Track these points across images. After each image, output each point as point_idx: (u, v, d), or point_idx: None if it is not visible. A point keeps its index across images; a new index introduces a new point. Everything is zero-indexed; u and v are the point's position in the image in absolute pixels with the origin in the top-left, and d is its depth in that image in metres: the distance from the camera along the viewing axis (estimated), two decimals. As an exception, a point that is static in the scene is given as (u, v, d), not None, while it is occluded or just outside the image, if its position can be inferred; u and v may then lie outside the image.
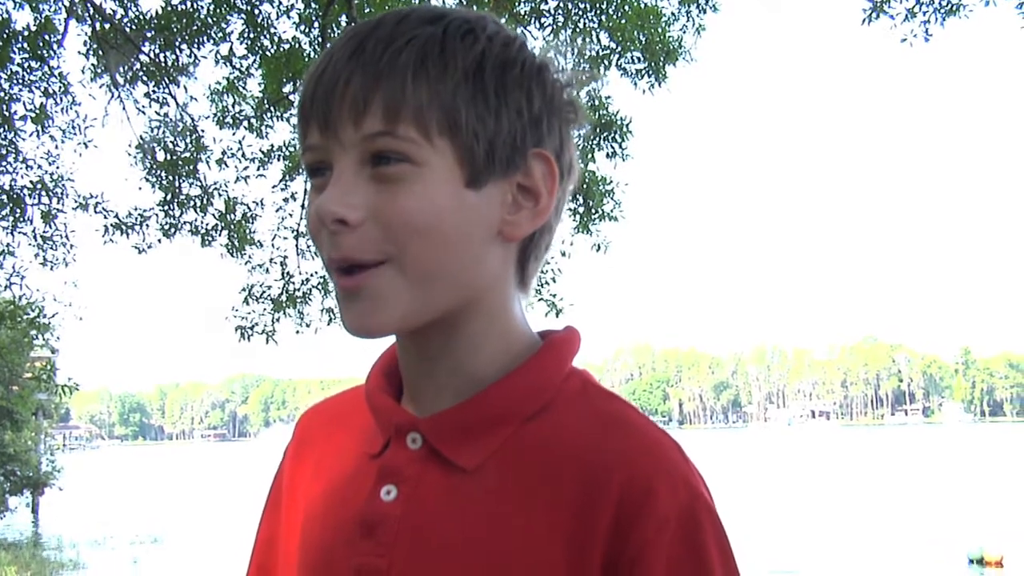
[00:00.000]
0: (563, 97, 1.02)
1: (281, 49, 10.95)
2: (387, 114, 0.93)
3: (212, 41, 10.88)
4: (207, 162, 11.65)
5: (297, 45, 11.04)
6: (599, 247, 11.74)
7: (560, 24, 10.73)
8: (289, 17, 11.03)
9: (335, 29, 10.53)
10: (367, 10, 10.28)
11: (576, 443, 0.98)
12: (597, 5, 10.55)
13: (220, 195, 11.73)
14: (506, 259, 1.02)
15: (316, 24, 10.75)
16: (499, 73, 0.97)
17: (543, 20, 10.82)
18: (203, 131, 11.62)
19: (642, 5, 10.69)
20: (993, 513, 27.33)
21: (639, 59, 10.90)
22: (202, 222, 11.65)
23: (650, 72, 10.94)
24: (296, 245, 11.99)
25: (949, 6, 9.24)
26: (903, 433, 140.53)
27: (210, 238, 11.71)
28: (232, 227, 11.74)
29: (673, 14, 11.03)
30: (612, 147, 11.15)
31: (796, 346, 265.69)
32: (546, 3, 10.82)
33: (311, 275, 12.10)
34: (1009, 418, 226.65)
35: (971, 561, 19.52)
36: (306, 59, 10.90)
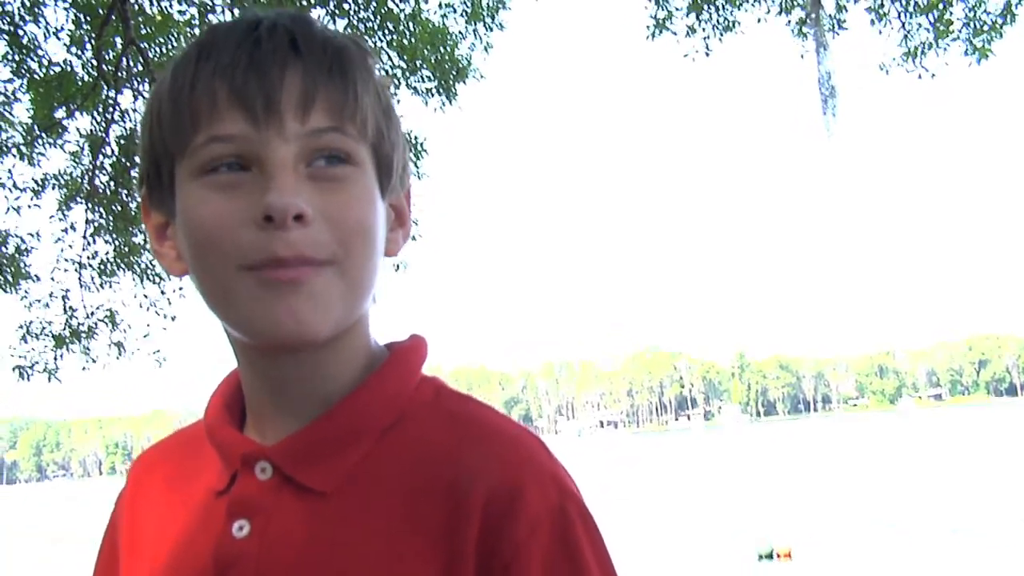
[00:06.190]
0: None
1: (51, 72, 10.34)
2: (334, 110, 0.90)
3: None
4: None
5: (69, 68, 10.45)
6: (397, 267, 11.60)
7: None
8: (59, 39, 10.43)
9: (110, 51, 10.07)
10: (143, 30, 9.89)
11: (434, 455, 0.92)
12: (386, 25, 10.49)
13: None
14: None
15: (89, 46, 10.21)
16: (387, 91, 0.98)
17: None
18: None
19: (431, 25, 10.71)
20: (777, 507, 28.70)
21: (429, 78, 10.89)
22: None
23: (440, 91, 10.95)
24: (79, 278, 11.32)
25: (726, 23, 9.70)
26: (685, 437, 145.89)
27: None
28: (4, 261, 10.98)
29: (461, 32, 11.09)
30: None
31: (583, 359, 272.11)
32: (334, 23, 10.65)
33: (95, 308, 11.45)
34: (781, 416, 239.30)
35: (760, 557, 20.36)
36: (79, 82, 10.36)
